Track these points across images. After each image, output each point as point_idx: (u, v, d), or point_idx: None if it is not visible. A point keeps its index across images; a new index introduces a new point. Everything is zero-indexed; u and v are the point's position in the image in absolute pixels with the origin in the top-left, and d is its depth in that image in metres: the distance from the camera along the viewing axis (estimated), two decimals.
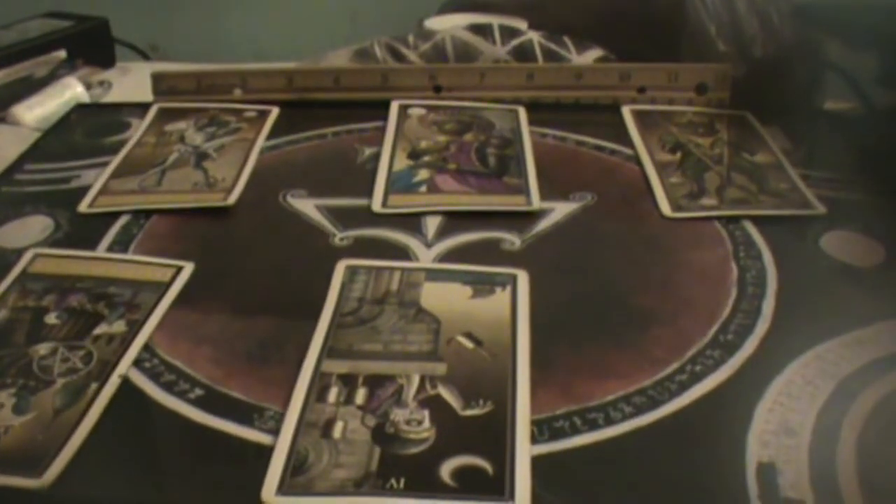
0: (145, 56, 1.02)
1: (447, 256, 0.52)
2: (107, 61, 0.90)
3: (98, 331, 0.46)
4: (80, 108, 0.75)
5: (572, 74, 0.71)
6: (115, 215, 0.57)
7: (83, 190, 0.60)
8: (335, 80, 0.72)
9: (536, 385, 0.42)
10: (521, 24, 0.80)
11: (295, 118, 0.70)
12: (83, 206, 0.58)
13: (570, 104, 0.71)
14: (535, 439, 0.39)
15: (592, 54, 0.76)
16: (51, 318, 0.47)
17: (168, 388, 0.43)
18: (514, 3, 0.83)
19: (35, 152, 0.67)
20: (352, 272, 0.50)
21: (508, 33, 0.76)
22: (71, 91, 0.78)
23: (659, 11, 0.74)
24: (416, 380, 0.42)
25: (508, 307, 0.47)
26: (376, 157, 0.63)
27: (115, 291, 0.49)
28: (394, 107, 0.70)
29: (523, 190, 0.59)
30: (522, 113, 0.69)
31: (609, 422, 0.40)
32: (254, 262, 0.54)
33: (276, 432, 0.39)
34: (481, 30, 0.77)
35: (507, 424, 0.39)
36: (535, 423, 0.40)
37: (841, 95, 0.72)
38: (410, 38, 0.78)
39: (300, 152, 0.66)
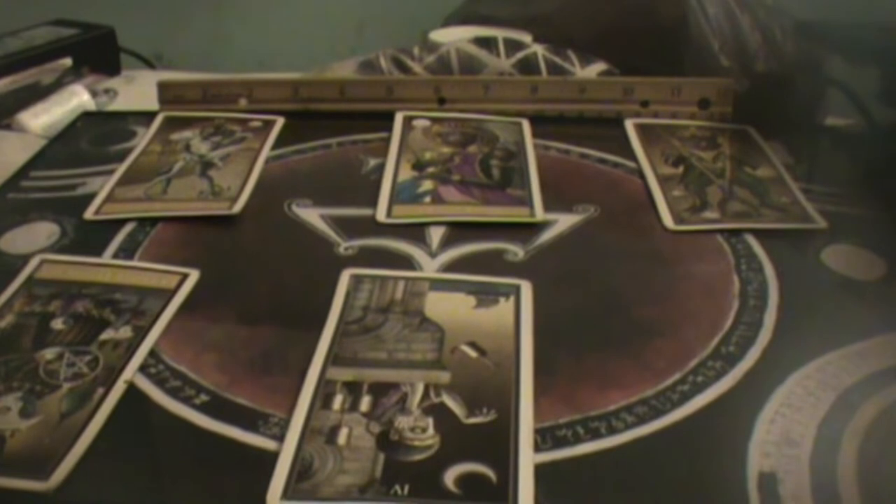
0: (150, 65, 1.02)
1: (451, 266, 0.53)
2: (112, 69, 0.91)
3: (104, 336, 0.46)
4: (86, 116, 0.76)
5: (576, 88, 0.72)
6: (120, 222, 0.58)
7: (89, 197, 0.60)
8: (340, 91, 0.72)
9: (539, 394, 0.42)
10: (526, 38, 0.80)
11: (300, 128, 0.70)
12: (89, 213, 0.59)
13: (574, 117, 0.72)
14: (538, 447, 0.39)
15: (596, 68, 0.77)
16: (57, 324, 0.47)
17: (173, 393, 0.43)
18: (519, 16, 0.83)
19: (41, 159, 0.67)
20: (356, 281, 0.51)
21: (513, 46, 0.77)
22: (77, 99, 0.78)
23: (662, 26, 0.75)
24: (420, 388, 0.42)
25: (512, 317, 0.48)
26: (381, 168, 0.64)
27: (121, 298, 0.50)
28: (398, 118, 0.70)
29: (527, 202, 0.59)
30: (526, 125, 0.70)
31: (611, 431, 0.41)
32: (259, 270, 0.54)
33: (280, 438, 0.40)
34: (486, 43, 0.77)
35: (510, 432, 0.40)
36: (538, 431, 0.40)
37: (842, 111, 0.72)
38: (416, 50, 0.78)
39: (305, 162, 0.66)
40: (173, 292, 0.50)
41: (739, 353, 0.46)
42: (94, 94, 0.80)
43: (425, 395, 0.42)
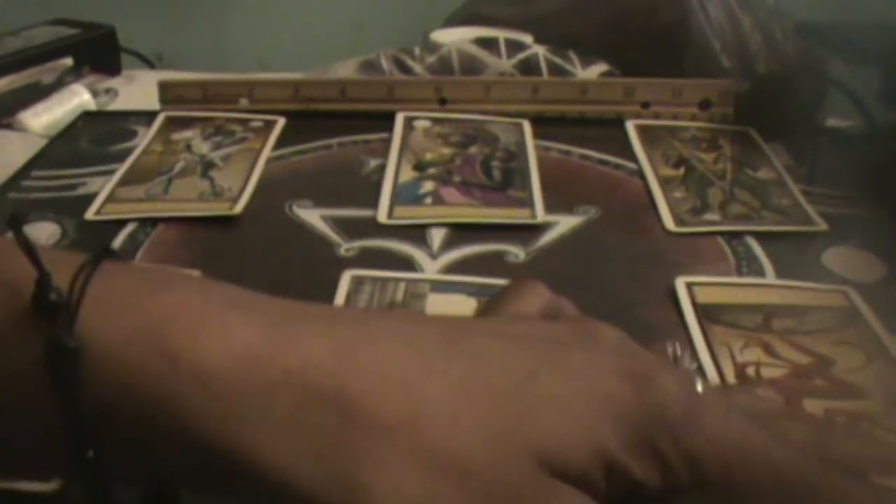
0: (151, 65, 1.02)
1: (452, 268, 0.53)
2: (113, 69, 0.91)
3: None
4: (86, 116, 0.76)
5: (577, 89, 0.72)
6: (121, 223, 0.57)
7: (90, 197, 0.60)
8: (341, 92, 0.72)
9: None
10: (527, 39, 0.80)
11: (301, 129, 0.70)
12: (90, 214, 0.58)
13: (575, 118, 0.72)
14: None
15: (597, 69, 0.77)
16: None
17: None
18: (520, 17, 0.83)
19: (42, 159, 0.67)
20: (357, 282, 0.51)
21: (514, 47, 0.77)
22: (78, 98, 0.78)
23: (663, 27, 0.75)
24: None
25: None
26: (382, 169, 0.64)
27: None
28: (399, 118, 0.70)
29: (528, 203, 0.59)
30: (527, 126, 0.70)
31: None
32: (259, 270, 0.54)
33: None
34: (487, 43, 0.77)
35: None
36: None
37: (844, 112, 0.72)
38: (417, 51, 0.78)
39: (306, 163, 0.66)
40: None
41: None
42: (94, 93, 0.80)
43: None
